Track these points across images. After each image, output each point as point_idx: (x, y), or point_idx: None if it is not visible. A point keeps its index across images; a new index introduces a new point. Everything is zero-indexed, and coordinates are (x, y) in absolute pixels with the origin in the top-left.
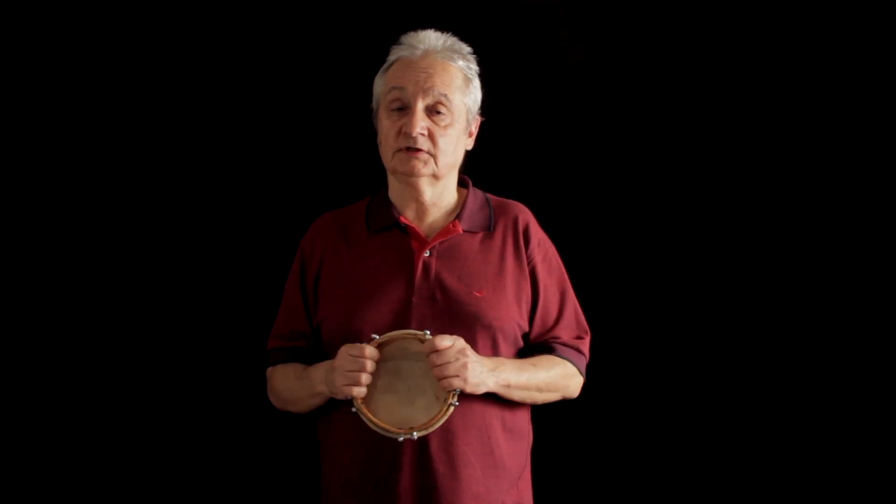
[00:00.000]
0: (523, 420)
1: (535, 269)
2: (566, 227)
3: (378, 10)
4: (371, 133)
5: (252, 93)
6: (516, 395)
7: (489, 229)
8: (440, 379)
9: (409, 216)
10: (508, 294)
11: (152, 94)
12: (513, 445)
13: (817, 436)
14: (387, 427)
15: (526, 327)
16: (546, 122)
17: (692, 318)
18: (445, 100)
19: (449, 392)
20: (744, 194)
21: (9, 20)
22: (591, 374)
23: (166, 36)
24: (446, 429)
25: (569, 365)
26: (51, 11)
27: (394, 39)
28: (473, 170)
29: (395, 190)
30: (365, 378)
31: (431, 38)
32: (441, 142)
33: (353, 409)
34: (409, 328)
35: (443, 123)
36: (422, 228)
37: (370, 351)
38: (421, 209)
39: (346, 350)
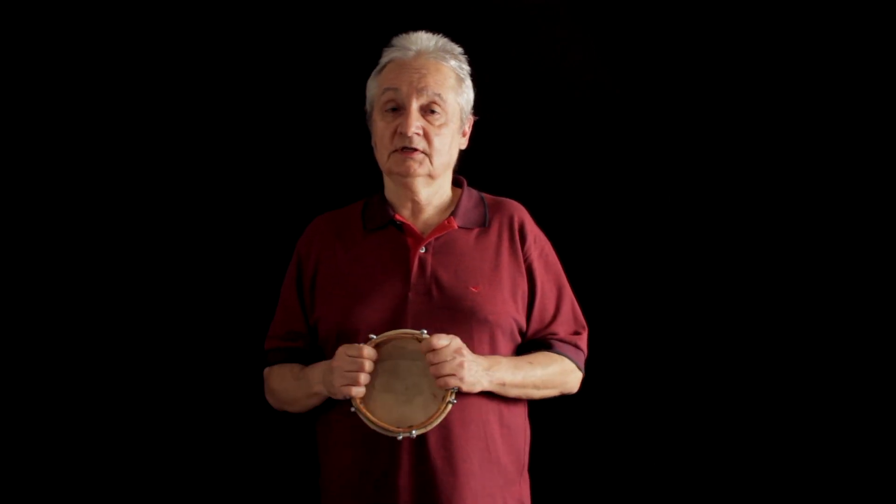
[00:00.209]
0: (520, 416)
1: (531, 265)
2: (566, 227)
3: (377, 10)
4: (366, 135)
5: (248, 96)
6: (512, 393)
7: (484, 226)
8: (437, 378)
9: (404, 214)
10: (504, 289)
11: (149, 97)
12: (510, 442)
13: (816, 433)
14: (385, 426)
15: (523, 322)
16: (546, 122)
17: (690, 316)
18: (439, 99)
19: (447, 390)
20: (743, 194)
21: (9, 20)
22: (589, 371)
23: (161, 39)
24: (444, 425)
25: (566, 361)
26: (50, 11)
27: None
28: (473, 170)
29: (390, 190)
30: (363, 378)
31: (423, 39)
32: (436, 141)
33: (352, 409)
34: (406, 324)
35: (437, 123)
36: (417, 226)
37: (368, 351)
38: (416, 208)
39: (343, 350)
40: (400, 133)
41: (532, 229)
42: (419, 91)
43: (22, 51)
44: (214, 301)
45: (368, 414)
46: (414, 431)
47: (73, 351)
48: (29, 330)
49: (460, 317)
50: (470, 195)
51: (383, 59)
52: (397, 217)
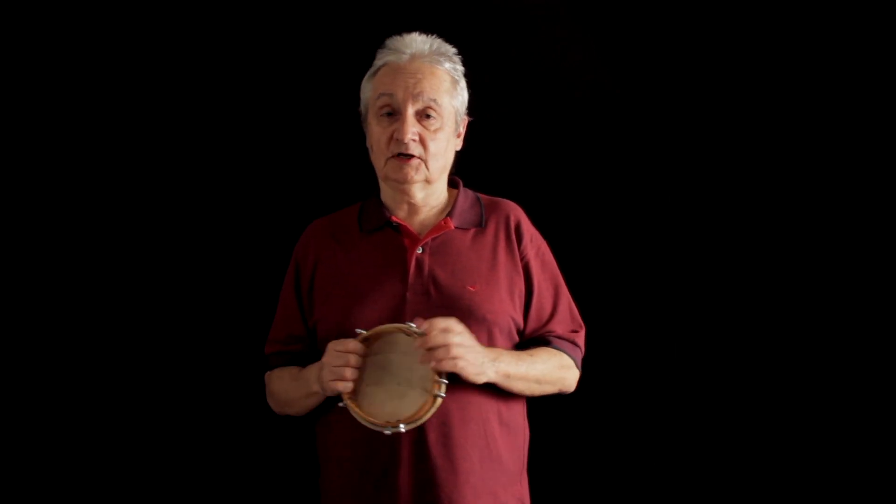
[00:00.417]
0: (519, 415)
1: (528, 264)
2: (566, 227)
3: (376, 10)
4: (361, 138)
5: (244, 100)
6: (516, 387)
7: (480, 226)
8: (440, 360)
9: (400, 216)
10: (501, 288)
11: (146, 100)
12: (509, 440)
13: (815, 432)
14: (373, 421)
15: (520, 321)
16: (546, 122)
17: (687, 315)
18: (435, 104)
19: (436, 383)
20: (742, 193)
21: (9, 20)
22: (587, 371)
23: (157, 41)
24: (444, 422)
25: (565, 357)
26: (50, 11)
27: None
28: (473, 170)
29: (386, 192)
30: (350, 373)
31: (418, 42)
32: (432, 146)
33: (341, 405)
34: (404, 324)
35: (433, 128)
36: (413, 227)
37: (354, 345)
38: (413, 209)
39: (332, 346)
40: (396, 139)
41: (528, 229)
42: (415, 97)
43: (22, 51)
44: (214, 306)
45: (356, 409)
46: (402, 426)
47: (75, 354)
48: (33, 338)
49: (458, 316)
50: (466, 196)
51: (377, 62)
52: (393, 219)
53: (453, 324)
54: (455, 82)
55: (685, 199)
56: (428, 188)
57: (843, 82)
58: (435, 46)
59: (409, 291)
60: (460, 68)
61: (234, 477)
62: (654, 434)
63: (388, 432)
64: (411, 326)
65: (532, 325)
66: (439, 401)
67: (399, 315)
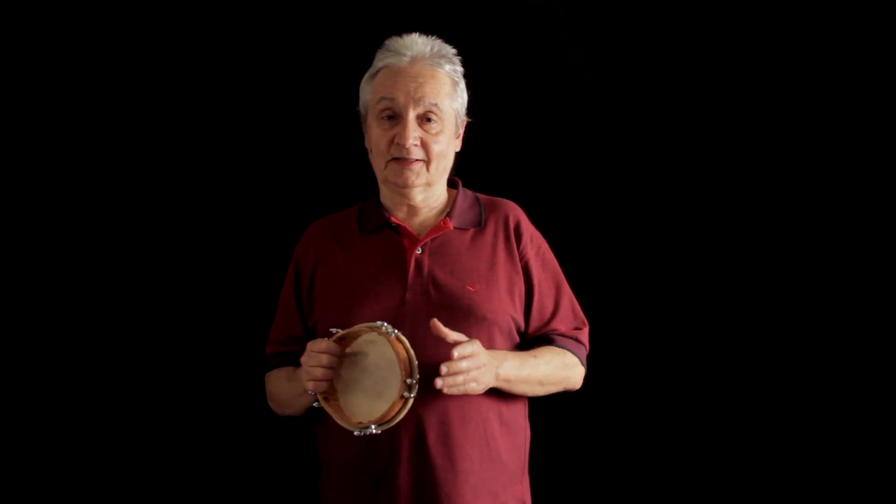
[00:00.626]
0: (519, 415)
1: (527, 263)
2: (566, 227)
3: (376, 10)
4: (361, 138)
5: (244, 101)
6: (518, 389)
7: (480, 226)
8: (451, 386)
9: (399, 217)
10: (501, 288)
11: (146, 101)
12: (510, 440)
13: (815, 431)
14: (347, 421)
15: (520, 320)
16: (546, 123)
17: (690, 314)
18: (436, 108)
19: (405, 385)
20: (742, 193)
21: (9, 20)
22: (590, 370)
23: (156, 42)
24: (443, 421)
25: (569, 355)
26: (50, 11)
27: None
28: (472, 170)
29: (385, 194)
30: (321, 373)
31: (418, 44)
32: (434, 149)
33: (316, 405)
34: (405, 324)
35: (434, 131)
36: (413, 227)
37: (327, 345)
38: (412, 210)
39: (309, 346)
40: (397, 143)
41: (528, 228)
42: (416, 101)
43: (22, 51)
44: (215, 307)
45: (329, 409)
46: (374, 427)
47: (77, 355)
48: (35, 341)
49: (458, 315)
50: (465, 196)
51: (377, 63)
52: (393, 219)
53: (474, 348)
54: (455, 84)
55: (685, 199)
56: (428, 190)
57: (843, 82)
58: (436, 49)
59: (409, 292)
60: (460, 69)
61: (234, 477)
62: (657, 433)
63: (357, 433)
64: (383, 325)
65: (534, 324)
66: (410, 402)
67: (399, 315)
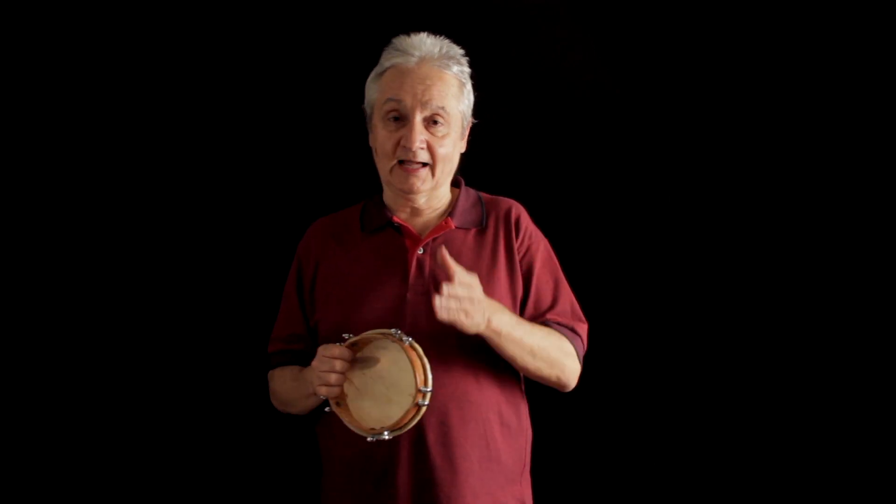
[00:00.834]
0: (521, 415)
1: (524, 257)
2: (566, 227)
3: (376, 10)
4: (365, 136)
5: (248, 99)
6: (507, 349)
7: (481, 225)
8: (447, 310)
9: (402, 216)
10: (502, 288)
11: (149, 100)
12: (510, 441)
13: (815, 430)
14: (359, 427)
15: None
16: (546, 123)
17: (690, 316)
18: (443, 111)
19: (419, 392)
20: (741, 192)
21: (9, 20)
22: (589, 370)
23: (161, 41)
24: (443, 422)
25: (566, 342)
26: (51, 11)
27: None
28: (474, 170)
29: (388, 193)
30: (335, 378)
31: (427, 45)
32: (440, 152)
33: (328, 409)
34: (405, 325)
35: (440, 134)
36: (415, 227)
37: (339, 351)
38: (415, 210)
39: (320, 351)
40: (403, 146)
41: (527, 225)
42: (423, 104)
43: (22, 51)
44: (218, 304)
45: (342, 414)
46: (386, 433)
47: (78, 353)
48: (38, 339)
49: None
50: (468, 195)
51: (384, 63)
52: (395, 219)
53: (473, 280)
54: (462, 85)
55: (685, 198)
56: (432, 192)
57: (843, 82)
58: (444, 49)
59: (410, 292)
60: (467, 70)
61: (236, 476)
62: (658, 433)
63: (370, 439)
64: (396, 332)
65: (529, 314)
66: (423, 410)
67: (399, 316)
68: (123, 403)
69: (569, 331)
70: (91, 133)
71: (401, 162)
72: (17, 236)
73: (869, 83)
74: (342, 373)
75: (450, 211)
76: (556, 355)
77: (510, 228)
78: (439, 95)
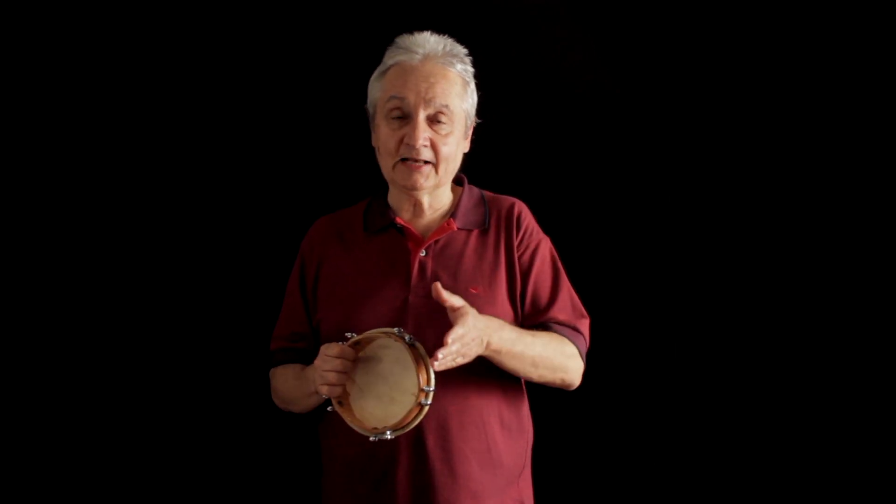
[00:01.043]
0: (522, 416)
1: (523, 254)
2: (567, 226)
3: (376, 10)
4: (368, 135)
5: (251, 98)
6: (509, 364)
7: (484, 226)
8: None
9: (405, 217)
10: (504, 290)
11: (152, 100)
12: (511, 443)
13: (814, 428)
14: (361, 426)
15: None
16: (546, 122)
17: (692, 315)
18: (447, 109)
19: (422, 392)
20: (741, 192)
21: (9, 20)
22: (591, 370)
23: (163, 41)
24: (442, 426)
25: (568, 344)
26: (51, 11)
27: (392, 40)
28: (474, 170)
29: (392, 193)
30: (337, 377)
31: (431, 43)
32: (443, 150)
33: (330, 409)
34: (407, 326)
35: (444, 132)
36: (418, 228)
37: (342, 350)
38: (418, 211)
39: (323, 350)
40: (406, 144)
41: (528, 223)
42: (427, 102)
43: (22, 51)
44: (221, 302)
45: (343, 413)
46: (388, 433)
47: (80, 351)
48: (42, 339)
49: None
50: (471, 195)
51: (387, 61)
52: (398, 220)
53: (464, 330)
54: (466, 84)
55: (685, 198)
56: (435, 192)
57: (843, 82)
58: (448, 48)
59: (412, 294)
60: (471, 69)
61: (236, 476)
62: (658, 433)
63: (373, 439)
64: (399, 331)
65: (529, 309)
66: (426, 409)
67: (401, 317)
68: (125, 402)
69: (570, 330)
70: (93, 134)
71: (404, 159)
72: (19, 237)
73: (869, 83)
74: (344, 372)
75: (452, 211)
76: (559, 361)
77: (511, 226)
78: (443, 93)
